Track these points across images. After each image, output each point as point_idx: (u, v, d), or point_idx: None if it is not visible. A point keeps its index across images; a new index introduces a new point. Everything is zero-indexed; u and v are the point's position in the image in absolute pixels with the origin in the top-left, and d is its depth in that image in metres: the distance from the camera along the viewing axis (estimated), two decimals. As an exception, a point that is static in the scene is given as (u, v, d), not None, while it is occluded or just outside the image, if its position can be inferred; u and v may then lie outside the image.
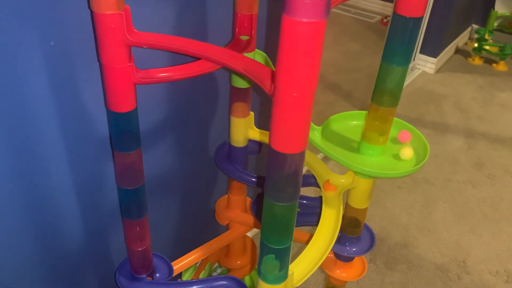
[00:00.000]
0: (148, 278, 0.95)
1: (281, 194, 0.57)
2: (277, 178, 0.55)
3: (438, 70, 2.59)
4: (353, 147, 0.84)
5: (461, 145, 2.02)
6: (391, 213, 1.66)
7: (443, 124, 2.15)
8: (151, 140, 0.96)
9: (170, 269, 0.97)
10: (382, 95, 0.76)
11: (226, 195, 1.18)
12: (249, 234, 1.32)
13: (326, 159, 1.77)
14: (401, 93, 0.77)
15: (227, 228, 1.21)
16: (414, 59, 2.57)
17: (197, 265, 1.21)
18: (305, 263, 0.74)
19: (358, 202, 0.88)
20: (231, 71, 0.92)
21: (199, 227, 1.26)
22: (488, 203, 1.73)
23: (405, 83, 2.45)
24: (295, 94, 0.47)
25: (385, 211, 1.67)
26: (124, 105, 0.69)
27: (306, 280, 1.39)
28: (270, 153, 0.54)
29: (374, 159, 0.81)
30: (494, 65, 2.65)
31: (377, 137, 0.80)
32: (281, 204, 0.57)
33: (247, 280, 1.26)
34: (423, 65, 2.57)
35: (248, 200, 1.19)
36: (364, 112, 0.87)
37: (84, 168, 0.84)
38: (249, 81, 0.94)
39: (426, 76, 2.53)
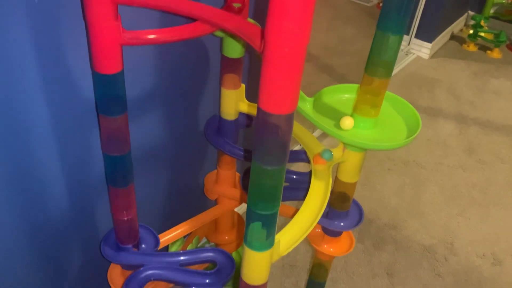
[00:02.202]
0: (134, 249, 0.94)
1: (269, 157, 0.55)
2: (265, 141, 0.54)
3: (433, 56, 2.57)
4: (345, 120, 0.83)
5: (452, 130, 2.02)
6: (381, 195, 1.66)
7: (436, 109, 2.14)
8: (139, 110, 0.94)
9: (157, 241, 0.96)
10: (376, 65, 0.74)
11: (215, 170, 1.17)
12: (238, 211, 1.31)
13: (320, 138, 1.76)
14: (394, 64, 0.76)
15: (215, 203, 1.20)
16: (409, 44, 2.55)
17: (185, 239, 1.20)
18: (292, 232, 0.73)
19: (347, 176, 0.87)
20: (224, 35, 0.89)
21: (188, 201, 1.25)
22: (478, 187, 1.73)
23: (399, 67, 2.44)
24: (286, 50, 0.45)
25: (375, 193, 1.67)
26: (110, 66, 0.67)
27: (293, 258, 1.39)
28: (259, 114, 0.52)
29: (365, 132, 0.80)
30: (489, 52, 2.64)
31: (369, 110, 0.79)
32: (269, 167, 0.56)
33: (234, 256, 1.25)
34: (418, 50, 2.55)
35: (238, 175, 1.18)
36: (357, 85, 0.86)
37: (69, 134, 0.82)
38: (241, 50, 0.92)
39: (420, 61, 2.52)
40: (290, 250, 0.71)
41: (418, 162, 1.82)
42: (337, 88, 0.88)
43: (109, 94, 0.71)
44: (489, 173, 1.80)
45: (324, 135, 1.84)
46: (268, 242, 0.65)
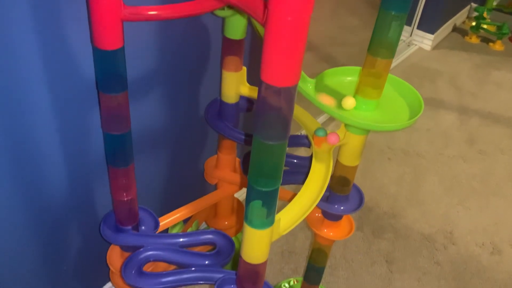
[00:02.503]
0: (134, 231, 0.93)
1: (270, 131, 0.55)
2: (267, 114, 0.53)
3: (435, 47, 2.56)
4: (347, 102, 0.82)
5: (453, 121, 2.02)
6: (380, 184, 1.66)
7: (437, 100, 2.14)
8: (139, 91, 0.93)
9: (156, 223, 0.95)
10: (379, 45, 0.73)
11: (216, 155, 1.16)
12: (238, 197, 1.31)
13: (325, 124, 1.76)
14: (397, 44, 0.75)
15: (215, 188, 1.20)
16: (411, 35, 2.54)
17: (185, 224, 1.20)
18: (292, 212, 0.73)
19: (348, 159, 0.87)
20: (226, 15, 0.89)
21: (187, 186, 1.25)
22: (478, 178, 1.73)
23: (401, 58, 2.43)
24: (289, 18, 0.45)
25: (375, 181, 1.66)
26: (110, 42, 0.67)
27: (292, 245, 1.39)
28: (261, 87, 0.52)
29: (367, 114, 0.80)
30: (491, 44, 2.63)
31: (371, 91, 0.78)
32: (270, 142, 0.55)
33: (233, 241, 1.25)
34: (420, 41, 2.54)
35: (238, 160, 1.18)
36: (359, 68, 0.85)
37: (69, 112, 0.81)
38: (243, 32, 0.91)
39: (422, 53, 2.51)
40: (290, 229, 0.71)
41: (418, 152, 1.82)
42: (339, 71, 0.87)
43: (109, 70, 0.70)
44: (489, 164, 1.80)
45: (328, 121, 1.84)
46: (268, 221, 0.65)
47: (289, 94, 0.51)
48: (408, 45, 2.54)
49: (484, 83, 2.30)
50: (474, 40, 2.66)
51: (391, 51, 0.74)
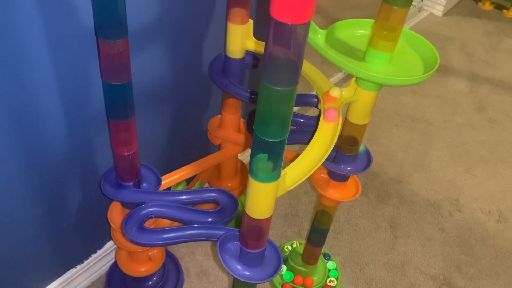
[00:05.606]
0: (135, 188, 0.91)
1: (279, 76, 0.51)
2: (276, 56, 0.50)
3: (446, 13, 2.48)
4: (358, 56, 0.78)
5: (463, 88, 1.97)
6: (387, 150, 1.63)
7: (447, 67, 2.08)
8: (140, 42, 0.89)
9: (158, 180, 0.93)
10: (395, -8, 0.69)
11: (219, 115, 1.13)
12: (242, 159, 1.29)
13: (339, 84, 1.72)
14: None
15: (219, 148, 1.17)
16: (422, 0, 2.46)
17: (188, 184, 1.18)
18: (299, 168, 0.70)
19: (357, 117, 0.84)
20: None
21: (190, 146, 1.22)
22: (486, 145, 1.70)
23: (411, 24, 2.36)
24: None
25: (381, 147, 1.63)
26: (109, -18, 0.62)
27: (295, 208, 1.38)
28: (270, 25, 0.48)
29: (380, 68, 0.76)
30: (505, 11, 2.54)
31: (385, 43, 0.74)
32: (278, 88, 0.52)
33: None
34: (431, 6, 2.46)
35: (242, 121, 1.15)
36: (372, 20, 0.81)
37: (68, 63, 0.78)
38: (250, -20, 0.86)
39: (434, 18, 2.43)
40: (296, 185, 0.68)
41: (426, 119, 1.78)
42: (351, 23, 0.83)
43: (109, 14, 0.66)
44: (498, 132, 1.76)
45: (343, 80, 1.80)
46: (274, 174, 0.62)
47: (300, 33, 0.47)
48: (419, 11, 2.46)
49: (495, 51, 2.24)
50: (488, 6, 2.57)
51: (408, 0, 0.69)
